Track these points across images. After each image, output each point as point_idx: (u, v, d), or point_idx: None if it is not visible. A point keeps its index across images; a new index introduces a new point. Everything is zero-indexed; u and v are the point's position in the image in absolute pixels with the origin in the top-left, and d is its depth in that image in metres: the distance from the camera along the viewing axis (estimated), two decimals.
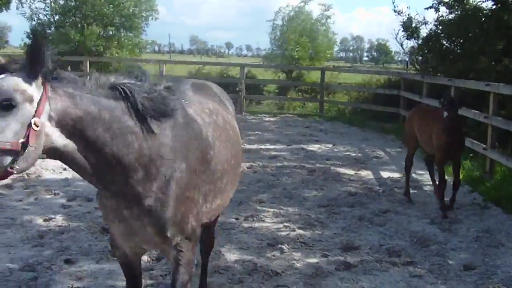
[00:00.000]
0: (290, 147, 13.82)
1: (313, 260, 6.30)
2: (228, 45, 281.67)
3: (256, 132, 16.04)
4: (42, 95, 2.87)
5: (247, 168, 10.92)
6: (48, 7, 27.96)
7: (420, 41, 17.24)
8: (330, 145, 14.25)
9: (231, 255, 6.33)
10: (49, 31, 27.55)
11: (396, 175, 10.82)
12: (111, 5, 26.56)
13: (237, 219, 7.70)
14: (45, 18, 28.11)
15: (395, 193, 9.44)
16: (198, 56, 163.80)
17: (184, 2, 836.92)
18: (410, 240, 7.06)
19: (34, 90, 2.86)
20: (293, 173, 10.76)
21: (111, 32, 27.47)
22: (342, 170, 11.15)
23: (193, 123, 3.66)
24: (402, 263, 6.25)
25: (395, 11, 17.16)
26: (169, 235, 3.45)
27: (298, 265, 6.16)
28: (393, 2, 17.31)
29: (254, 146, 13.57)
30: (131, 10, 27.13)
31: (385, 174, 10.91)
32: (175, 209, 3.42)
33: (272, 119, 20.02)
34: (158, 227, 3.40)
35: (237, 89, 21.12)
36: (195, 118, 3.73)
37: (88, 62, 22.76)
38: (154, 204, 3.33)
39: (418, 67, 18.28)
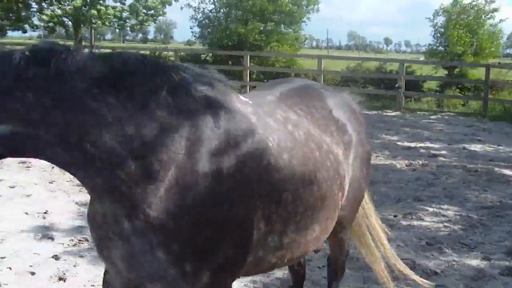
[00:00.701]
0: (450, 146, 13.35)
1: (475, 263, 6.10)
2: (387, 41, 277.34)
3: (415, 130, 15.67)
4: None
5: (406, 166, 10.75)
6: (212, 3, 29.28)
7: None
8: (494, 146, 13.55)
9: None
10: (213, 25, 28.78)
11: None
12: (271, 1, 27.16)
13: (395, 216, 7.63)
14: (210, 14, 29.42)
15: None
16: (356, 51, 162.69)
17: None
18: None
19: None
20: (453, 172, 10.40)
21: (270, 27, 28.18)
22: (507, 171, 10.57)
23: (239, 115, 2.79)
24: None
25: None
26: (187, 269, 2.52)
27: (458, 266, 5.99)
28: None
29: (413, 144, 13.28)
30: (288, 8, 27.55)
31: None
32: (199, 229, 2.50)
33: (432, 117, 19.41)
34: (171, 252, 2.48)
35: (397, 85, 20.71)
36: (245, 113, 2.85)
37: (248, 56, 23.22)
38: (162, 216, 2.44)
39: None
